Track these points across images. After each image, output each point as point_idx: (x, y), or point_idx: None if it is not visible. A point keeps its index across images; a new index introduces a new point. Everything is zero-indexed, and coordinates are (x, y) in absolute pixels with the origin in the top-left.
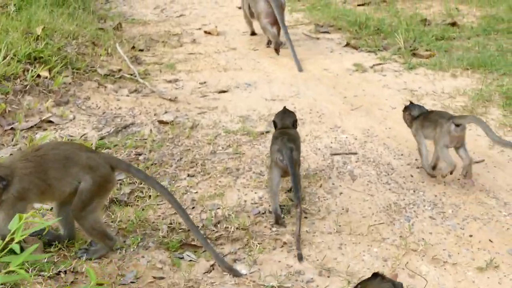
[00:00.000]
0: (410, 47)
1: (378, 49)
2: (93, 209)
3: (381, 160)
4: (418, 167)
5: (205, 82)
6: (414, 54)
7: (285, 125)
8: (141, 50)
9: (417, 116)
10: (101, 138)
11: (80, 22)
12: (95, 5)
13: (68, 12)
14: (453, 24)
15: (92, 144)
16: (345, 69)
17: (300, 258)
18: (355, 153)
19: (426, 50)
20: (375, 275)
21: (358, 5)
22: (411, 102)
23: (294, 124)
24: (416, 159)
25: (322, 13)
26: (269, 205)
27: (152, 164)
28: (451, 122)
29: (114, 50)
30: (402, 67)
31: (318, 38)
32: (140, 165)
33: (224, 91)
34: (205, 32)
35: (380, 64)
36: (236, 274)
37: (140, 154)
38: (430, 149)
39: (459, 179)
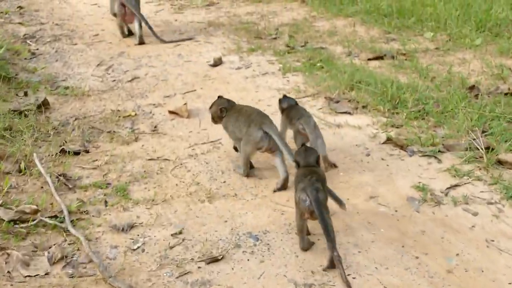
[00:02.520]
0: (490, 148)
1: (439, 150)
2: None
3: None
4: None
5: (180, 232)
6: (499, 162)
7: (309, 163)
8: (77, 153)
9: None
10: None
11: None
12: (14, 66)
13: None
14: None
15: None
16: (404, 198)
17: None
18: None
19: (510, 151)
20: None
21: (370, 59)
22: (284, 95)
23: (317, 161)
24: None
25: (330, 76)
26: None
27: None
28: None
29: (31, 164)
30: (495, 191)
31: (338, 126)
32: None
33: (216, 259)
34: (170, 112)
35: (456, 186)
36: None
37: None
38: None
39: None
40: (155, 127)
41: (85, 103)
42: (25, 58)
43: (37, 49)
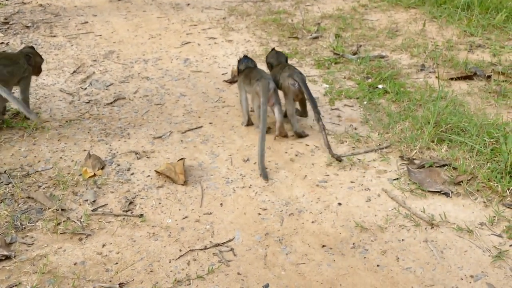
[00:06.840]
0: None
1: None
2: None
3: None
4: None
5: None
6: None
7: (282, 62)
8: None
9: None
10: None
11: None
12: None
13: None
14: None
15: None
16: None
17: (339, 159)
18: None
19: None
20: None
21: (452, 78)
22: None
23: (287, 61)
24: None
25: (401, 112)
26: None
27: None
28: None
29: None
30: None
31: (430, 224)
32: None
33: None
34: (158, 173)
35: None
36: None
37: None
38: None
39: None
40: (130, 203)
41: (35, 144)
42: None
43: (2, 42)
